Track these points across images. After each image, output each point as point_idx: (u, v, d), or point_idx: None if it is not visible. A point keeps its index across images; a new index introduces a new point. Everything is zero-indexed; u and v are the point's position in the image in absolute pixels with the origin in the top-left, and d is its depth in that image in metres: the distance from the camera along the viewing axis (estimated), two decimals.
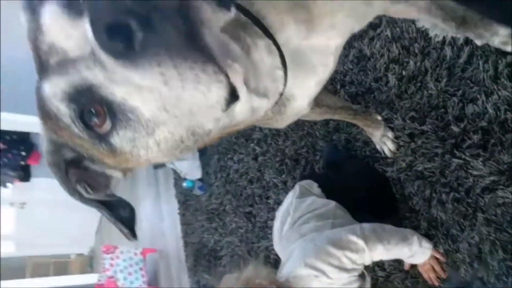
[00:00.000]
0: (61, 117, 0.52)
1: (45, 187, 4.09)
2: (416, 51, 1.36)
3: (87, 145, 0.55)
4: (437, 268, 1.32)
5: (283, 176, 2.02)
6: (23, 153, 4.00)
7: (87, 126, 0.51)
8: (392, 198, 1.49)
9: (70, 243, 5.01)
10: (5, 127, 3.30)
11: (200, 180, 2.89)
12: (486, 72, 1.19)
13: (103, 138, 0.52)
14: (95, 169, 0.63)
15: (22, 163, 4.06)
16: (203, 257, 2.86)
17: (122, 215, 0.68)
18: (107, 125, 0.51)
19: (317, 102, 0.85)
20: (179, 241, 3.28)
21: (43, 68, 0.51)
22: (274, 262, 2.10)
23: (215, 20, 0.43)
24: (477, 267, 1.24)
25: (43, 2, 0.51)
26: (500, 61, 1.16)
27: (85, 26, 0.41)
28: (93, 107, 0.50)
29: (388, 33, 1.43)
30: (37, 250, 5.07)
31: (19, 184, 4.27)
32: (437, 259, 1.32)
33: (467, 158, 1.25)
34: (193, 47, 0.42)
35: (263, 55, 0.53)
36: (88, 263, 5.70)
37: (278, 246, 1.53)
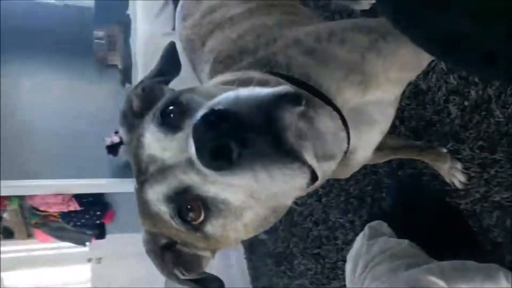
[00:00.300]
0: (162, 216, 0.60)
1: (120, 242, 4.33)
2: (476, 80, 1.33)
3: (183, 235, 0.62)
4: None
5: (349, 215, 1.99)
6: (98, 213, 4.30)
7: (184, 220, 0.58)
8: (469, 232, 1.42)
9: None
10: (81, 190, 3.60)
11: None
12: None
13: (198, 228, 0.59)
14: (187, 252, 0.69)
15: (98, 222, 4.35)
16: None
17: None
18: (202, 217, 0.57)
19: (379, 146, 0.86)
20: (247, 286, 3.26)
21: (143, 175, 0.60)
22: None
23: (292, 120, 0.48)
24: None
25: (141, 121, 0.63)
26: None
27: (179, 140, 0.51)
28: (189, 204, 0.57)
29: (443, 65, 1.42)
30: None
31: (95, 242, 4.54)
32: None
33: None
34: (281, 150, 0.47)
35: (326, 122, 0.57)
36: None
37: None
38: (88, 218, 4.24)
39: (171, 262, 0.68)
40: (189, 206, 0.57)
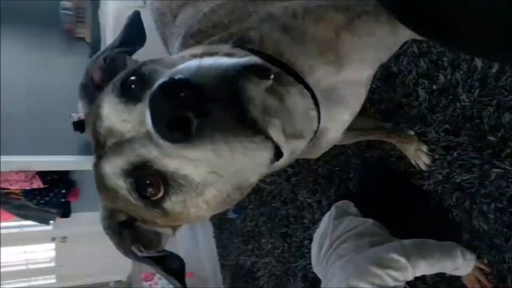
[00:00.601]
0: (119, 190, 0.58)
1: (84, 221, 4.24)
2: (446, 64, 1.36)
3: (141, 211, 0.60)
4: (482, 279, 1.29)
5: (317, 195, 2.02)
6: (63, 191, 4.18)
7: (142, 195, 0.56)
8: (431, 212, 1.48)
9: (108, 270, 5.09)
10: (46, 168, 3.48)
11: None
12: None
13: (157, 204, 0.57)
14: (146, 229, 0.67)
15: (63, 200, 4.23)
16: (240, 279, 2.86)
17: (172, 267, 0.71)
18: (161, 192, 0.55)
19: (349, 127, 0.87)
20: (215, 265, 3.29)
21: (100, 148, 0.58)
22: (312, 281, 2.09)
23: (258, 93, 0.46)
24: None
25: (101, 93, 0.60)
26: None
27: (139, 113, 0.48)
28: (148, 179, 0.55)
29: (415, 49, 1.44)
30: (77, 281, 5.17)
31: (59, 220, 4.43)
32: (481, 270, 1.29)
33: (507, 167, 1.23)
34: (243, 123, 0.46)
35: (296, 100, 0.56)
36: None
37: (318, 268, 1.54)
38: (52, 196, 4.10)
39: (129, 239, 0.66)
40: (148, 181, 0.55)
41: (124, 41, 0.74)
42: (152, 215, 0.60)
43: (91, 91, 0.69)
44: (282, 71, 0.61)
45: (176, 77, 0.43)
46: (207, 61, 0.47)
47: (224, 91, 0.44)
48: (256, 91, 0.46)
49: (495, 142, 1.26)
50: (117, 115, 0.56)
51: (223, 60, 0.47)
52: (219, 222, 3.18)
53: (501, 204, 1.26)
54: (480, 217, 1.32)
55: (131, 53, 0.74)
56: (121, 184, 0.57)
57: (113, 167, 0.56)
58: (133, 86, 0.56)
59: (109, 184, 0.58)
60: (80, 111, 3.72)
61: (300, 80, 0.64)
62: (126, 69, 0.62)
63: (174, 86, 0.43)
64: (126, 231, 0.66)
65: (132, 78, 0.57)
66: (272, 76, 0.48)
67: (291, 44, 0.68)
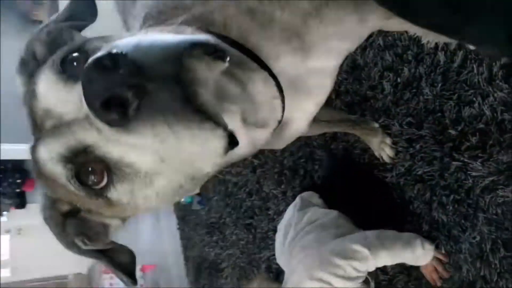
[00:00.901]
0: (56, 178, 0.53)
1: (40, 212, 4.07)
2: (410, 58, 1.38)
3: (84, 200, 0.55)
4: (440, 268, 1.33)
5: (282, 186, 2.02)
6: (18, 181, 3.99)
7: (83, 183, 0.52)
8: (393, 203, 1.50)
9: (67, 263, 4.94)
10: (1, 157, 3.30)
11: (198, 194, 2.88)
12: (481, 74, 1.21)
13: (100, 193, 0.52)
14: (92, 220, 0.62)
15: (18, 190, 4.04)
16: (204, 271, 2.84)
17: (122, 260, 0.67)
18: (104, 181, 0.51)
19: (314, 118, 0.85)
20: (179, 256, 3.25)
21: (38, 131, 0.52)
22: (276, 272, 2.09)
23: (210, 76, 0.43)
24: (479, 266, 1.25)
25: (39, 68, 0.54)
26: (494, 64, 1.18)
27: (80, 93, 0.42)
28: (90, 166, 0.50)
29: (381, 42, 1.45)
30: (34, 274, 5.00)
31: (14, 211, 4.24)
32: (439, 260, 1.33)
33: (466, 160, 1.26)
34: (190, 107, 0.42)
35: (259, 87, 0.53)
36: (87, 283, 5.62)
37: (281, 259, 1.53)
38: (6, 186, 3.91)
39: (72, 231, 0.61)
40: (90, 169, 0.51)
41: (72, 14, 0.68)
42: (96, 205, 0.56)
43: (32, 67, 0.63)
44: (245, 57, 0.58)
45: (113, 51, 0.39)
46: (151, 36, 0.43)
47: (168, 69, 0.40)
48: (208, 73, 0.42)
49: (455, 136, 1.29)
50: (55, 95, 0.50)
51: (168, 36, 0.43)
52: (184, 214, 3.13)
53: (459, 196, 1.30)
54: (439, 208, 1.35)
55: (80, 28, 0.68)
56: (59, 171, 0.52)
57: (51, 152, 0.51)
58: (75, 63, 0.51)
59: (46, 171, 0.53)
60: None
61: (264, 67, 0.62)
62: (69, 44, 0.56)
63: (110, 61, 0.38)
64: (70, 222, 0.61)
65: (75, 54, 0.52)
66: (228, 59, 0.44)
67: (256, 28, 0.64)
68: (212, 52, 0.43)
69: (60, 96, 0.50)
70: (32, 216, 4.36)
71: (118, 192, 0.52)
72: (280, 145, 0.88)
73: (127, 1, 0.92)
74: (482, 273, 1.25)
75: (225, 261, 2.59)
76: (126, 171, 0.50)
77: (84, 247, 0.62)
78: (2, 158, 3.49)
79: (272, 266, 2.12)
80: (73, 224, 0.61)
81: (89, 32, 0.69)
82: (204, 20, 0.66)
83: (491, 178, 1.21)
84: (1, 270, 4.85)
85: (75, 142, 0.49)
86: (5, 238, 4.85)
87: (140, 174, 0.50)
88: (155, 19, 0.75)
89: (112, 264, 0.65)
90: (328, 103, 0.82)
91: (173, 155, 0.47)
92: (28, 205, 4.28)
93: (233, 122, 0.46)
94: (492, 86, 1.19)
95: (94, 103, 0.39)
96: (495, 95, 1.18)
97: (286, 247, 1.46)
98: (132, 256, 0.68)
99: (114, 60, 0.38)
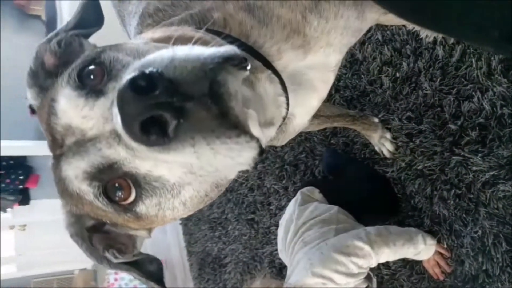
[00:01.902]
0: (83, 195, 0.52)
1: (44, 209, 4.08)
2: (408, 52, 1.37)
3: (112, 216, 0.55)
4: (442, 263, 1.34)
5: (284, 182, 2.02)
6: (21, 177, 4.00)
7: (111, 200, 0.51)
8: (394, 198, 1.50)
9: (73, 259, 4.97)
10: (2, 153, 3.30)
11: None
12: (479, 69, 1.20)
13: (129, 209, 0.52)
14: (118, 232, 0.63)
15: (21, 187, 4.05)
16: (207, 266, 2.86)
17: (150, 270, 0.67)
18: (132, 196, 0.51)
19: (315, 114, 0.85)
20: (182, 251, 3.27)
21: (58, 147, 0.52)
22: (279, 267, 2.11)
23: (238, 87, 0.42)
24: (482, 260, 1.25)
25: (53, 82, 0.53)
26: (493, 58, 1.17)
27: (102, 109, 0.42)
28: (116, 182, 0.50)
29: (379, 36, 1.44)
30: (39, 270, 5.03)
31: (18, 208, 4.25)
32: (441, 254, 1.33)
33: (466, 155, 1.26)
34: (226, 123, 0.41)
35: (265, 86, 0.53)
36: (92, 278, 5.66)
37: (283, 254, 1.54)
38: (9, 183, 3.92)
39: (100, 245, 0.61)
40: (116, 185, 0.50)
41: (80, 22, 0.67)
42: (124, 220, 0.56)
43: (43, 78, 0.62)
44: (251, 57, 0.57)
45: (147, 71, 0.38)
46: (182, 50, 0.41)
47: (203, 86, 0.39)
48: (236, 85, 0.42)
49: (455, 130, 1.28)
50: (76, 111, 0.49)
51: (199, 50, 0.42)
52: None
53: (460, 191, 1.29)
54: (441, 203, 1.35)
55: (87, 36, 0.67)
56: (85, 189, 0.51)
57: (75, 170, 0.50)
58: (91, 77, 0.50)
59: (72, 189, 0.53)
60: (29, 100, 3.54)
61: (268, 65, 0.61)
62: (83, 57, 0.55)
63: (146, 82, 0.37)
64: (97, 236, 0.61)
65: (91, 67, 0.51)
66: (249, 67, 0.44)
67: (256, 25, 0.64)
68: (238, 64, 0.42)
69: (81, 113, 0.49)
70: (36, 213, 4.39)
71: (146, 206, 0.52)
72: (282, 141, 0.88)
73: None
74: (484, 267, 1.25)
75: (228, 256, 2.60)
76: (155, 185, 0.50)
77: (114, 260, 0.62)
78: (3, 154, 3.48)
79: (275, 261, 2.13)
80: (99, 238, 0.61)
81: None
82: (203, 17, 0.65)
83: (491, 173, 1.20)
84: (7, 266, 4.90)
85: (100, 159, 0.48)
86: (11, 234, 4.88)
87: (168, 186, 0.50)
88: (153, 16, 0.74)
89: (144, 275, 0.65)
90: (328, 98, 0.82)
91: (204, 167, 0.46)
92: (32, 202, 4.29)
93: (255, 129, 0.45)
94: (491, 80, 1.18)
95: (133, 126, 0.38)
96: (494, 89, 1.17)
97: (287, 242, 1.46)
98: (158, 263, 0.68)
99: (149, 79, 0.37)
